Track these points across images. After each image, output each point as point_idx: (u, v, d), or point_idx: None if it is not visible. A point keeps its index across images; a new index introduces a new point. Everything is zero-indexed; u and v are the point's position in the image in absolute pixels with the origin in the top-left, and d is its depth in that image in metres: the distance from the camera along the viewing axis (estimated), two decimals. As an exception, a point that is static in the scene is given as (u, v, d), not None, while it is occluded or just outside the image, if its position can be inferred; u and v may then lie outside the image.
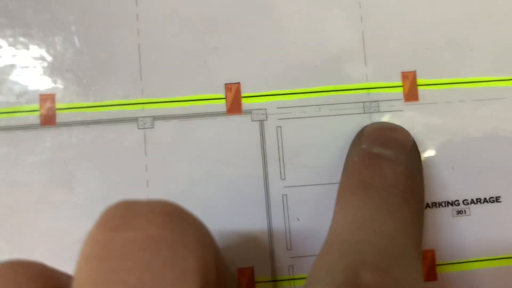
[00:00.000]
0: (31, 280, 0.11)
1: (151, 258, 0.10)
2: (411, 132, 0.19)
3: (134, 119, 0.18)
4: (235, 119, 0.18)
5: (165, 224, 0.11)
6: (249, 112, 0.19)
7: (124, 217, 0.11)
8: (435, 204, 0.18)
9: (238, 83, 0.19)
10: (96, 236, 0.11)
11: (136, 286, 0.10)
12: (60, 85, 0.18)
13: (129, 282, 0.10)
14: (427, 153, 0.19)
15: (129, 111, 0.18)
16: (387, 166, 0.16)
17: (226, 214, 0.18)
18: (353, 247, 0.14)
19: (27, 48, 0.18)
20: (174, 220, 0.11)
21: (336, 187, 0.18)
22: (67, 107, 0.18)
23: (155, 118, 0.18)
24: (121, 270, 0.10)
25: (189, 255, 0.11)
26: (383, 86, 0.19)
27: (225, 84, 0.18)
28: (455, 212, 0.18)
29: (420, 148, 0.18)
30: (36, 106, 0.18)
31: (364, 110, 0.19)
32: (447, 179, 0.19)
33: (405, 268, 0.14)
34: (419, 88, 0.19)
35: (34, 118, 0.18)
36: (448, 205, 0.18)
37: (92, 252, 0.11)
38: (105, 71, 0.18)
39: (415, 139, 0.18)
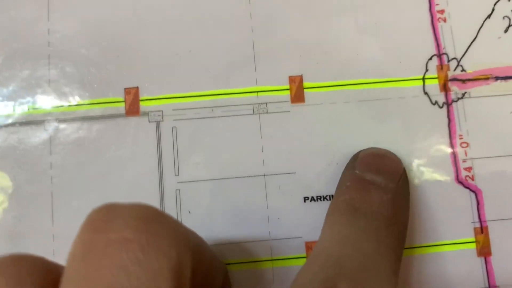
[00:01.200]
0: (32, 274, 0.12)
1: (127, 259, 0.11)
2: (294, 131, 0.20)
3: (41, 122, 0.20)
4: (133, 120, 0.20)
5: (140, 228, 0.12)
6: (146, 114, 0.20)
7: (106, 219, 0.12)
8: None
9: (137, 87, 0.20)
10: (81, 236, 0.12)
11: (113, 284, 0.11)
12: None
13: (107, 280, 0.11)
14: (314, 145, 0.20)
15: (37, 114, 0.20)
16: (376, 193, 0.18)
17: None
18: (335, 260, 0.16)
19: None
20: (149, 224, 0.12)
21: (226, 182, 0.20)
22: None
23: (60, 121, 0.20)
24: (101, 269, 0.11)
25: (160, 256, 0.12)
26: (271, 89, 0.21)
27: (125, 88, 0.20)
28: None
29: (302, 146, 0.20)
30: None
31: (253, 112, 0.20)
32: (329, 175, 0.20)
33: (379, 284, 0.15)
34: (306, 90, 0.21)
35: None
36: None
37: (77, 251, 0.12)
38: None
39: (297, 137, 0.20)
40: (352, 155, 0.20)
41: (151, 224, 0.12)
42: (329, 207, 0.18)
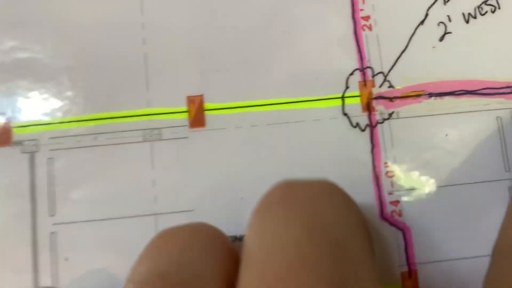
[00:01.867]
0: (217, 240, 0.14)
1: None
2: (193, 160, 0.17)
3: None
4: (3, 151, 0.17)
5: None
6: (19, 143, 0.17)
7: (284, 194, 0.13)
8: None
9: (5, 113, 0.17)
10: (259, 211, 0.13)
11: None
12: None
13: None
14: (216, 177, 0.17)
15: None
16: None
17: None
18: None
19: None
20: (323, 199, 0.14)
21: (111, 223, 0.17)
22: None
23: None
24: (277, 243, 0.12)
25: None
26: (166, 112, 0.18)
27: (-7, 114, 0.17)
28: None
29: (202, 178, 0.17)
30: None
31: (144, 139, 0.17)
32: (233, 213, 0.17)
33: None
34: (207, 113, 0.18)
35: None
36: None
37: (255, 225, 0.13)
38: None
39: (196, 168, 0.17)
40: (261, 187, 0.17)
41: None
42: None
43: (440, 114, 0.18)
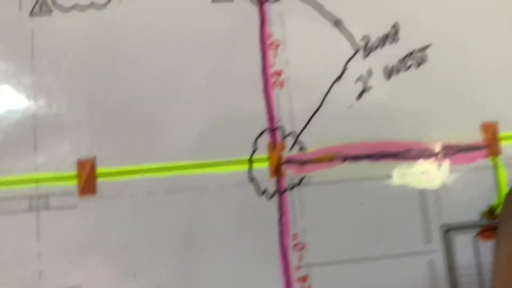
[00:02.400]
0: None
1: None
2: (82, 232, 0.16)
3: None
4: None
5: None
6: None
7: None
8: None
9: None
10: None
11: None
12: None
13: None
14: (107, 250, 0.16)
15: None
16: None
17: None
18: None
19: None
20: None
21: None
22: None
23: None
24: None
25: None
26: (54, 177, 0.16)
27: None
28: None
29: (91, 251, 0.16)
30: None
31: (30, 207, 0.16)
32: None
33: None
34: (99, 179, 0.16)
35: None
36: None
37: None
38: None
39: (85, 241, 0.15)
40: (156, 263, 0.16)
41: None
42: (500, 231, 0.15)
43: (355, 180, 0.16)
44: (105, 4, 0.17)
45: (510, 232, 0.15)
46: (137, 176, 0.16)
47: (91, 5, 0.17)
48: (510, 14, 0.17)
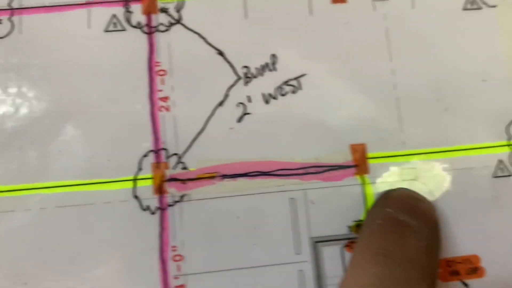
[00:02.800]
0: None
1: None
2: (-24, 246, 0.17)
3: None
4: None
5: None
6: None
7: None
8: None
9: None
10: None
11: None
12: None
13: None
14: None
15: None
16: (411, 237, 0.16)
17: None
18: None
19: None
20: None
21: None
22: None
23: None
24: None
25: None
26: (-47, 194, 0.18)
27: None
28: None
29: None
30: None
31: None
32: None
33: None
34: (-5, 195, 0.18)
35: None
36: None
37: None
38: None
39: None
40: (47, 274, 0.17)
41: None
42: (356, 248, 0.16)
43: (232, 196, 0.18)
44: (7, 34, 0.19)
45: (361, 242, 0.16)
46: (31, 193, 0.18)
47: (-7, 35, 0.18)
48: (376, 47, 0.19)
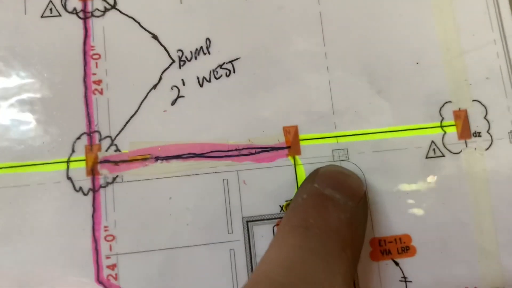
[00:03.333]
0: None
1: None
2: None
3: None
4: None
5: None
6: None
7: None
8: None
9: None
10: None
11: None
12: None
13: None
14: None
15: None
16: (334, 210, 0.17)
17: None
18: (269, 276, 0.14)
19: None
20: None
21: None
22: None
23: None
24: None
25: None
26: None
27: None
28: None
29: None
30: None
31: None
32: None
33: None
34: None
35: None
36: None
37: None
38: None
39: None
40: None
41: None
42: (281, 222, 0.17)
43: (165, 178, 0.18)
44: None
45: (285, 217, 0.17)
46: None
47: None
48: (310, 31, 0.20)
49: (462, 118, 0.20)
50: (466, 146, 0.20)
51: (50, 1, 0.19)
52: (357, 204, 0.17)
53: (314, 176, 0.18)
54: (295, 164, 0.19)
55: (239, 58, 0.19)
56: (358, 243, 0.17)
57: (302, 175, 0.19)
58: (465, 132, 0.20)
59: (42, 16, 0.19)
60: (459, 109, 0.20)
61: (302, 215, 0.16)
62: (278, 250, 0.16)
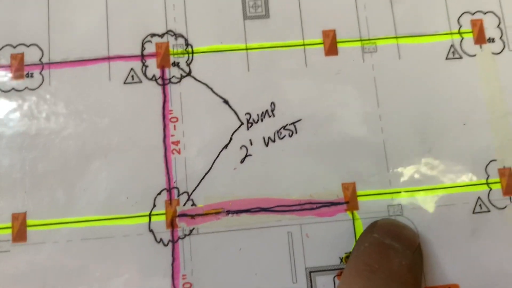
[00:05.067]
0: None
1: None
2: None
3: None
4: None
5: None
6: None
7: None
8: None
9: None
10: None
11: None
12: None
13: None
14: None
15: None
16: (395, 256, 0.19)
17: None
18: None
19: None
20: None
21: None
22: None
23: None
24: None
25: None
26: (-7, 228, 0.20)
27: None
28: None
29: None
30: None
31: (-29, 252, 0.20)
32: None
33: None
34: (29, 229, 0.20)
35: None
36: None
37: None
38: None
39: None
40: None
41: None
42: (345, 268, 0.19)
43: (235, 230, 0.21)
44: (38, 86, 0.22)
45: (350, 263, 0.19)
46: (59, 227, 0.20)
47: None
48: (365, 94, 0.22)
49: (506, 175, 0.22)
50: (511, 201, 0.21)
51: (132, 69, 0.22)
52: (414, 252, 0.19)
53: (373, 227, 0.20)
54: (353, 219, 0.21)
55: (300, 120, 0.22)
56: (418, 286, 0.19)
57: (360, 229, 0.21)
58: (510, 188, 0.22)
59: (124, 83, 0.22)
60: (504, 167, 0.22)
61: (367, 260, 0.18)
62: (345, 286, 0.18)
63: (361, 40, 0.22)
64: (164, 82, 0.22)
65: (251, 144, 0.22)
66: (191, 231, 0.21)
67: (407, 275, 0.18)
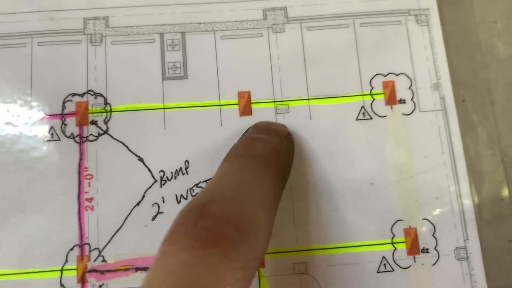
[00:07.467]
0: None
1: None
2: None
3: None
4: None
5: None
6: None
7: None
8: None
9: None
10: None
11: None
12: None
13: None
14: None
15: None
16: (259, 144, 0.21)
17: None
18: (209, 189, 0.18)
19: None
20: None
21: None
22: None
23: None
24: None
25: None
26: None
27: None
28: None
29: None
30: None
31: None
32: None
33: (251, 205, 0.17)
34: None
35: None
36: None
37: None
38: None
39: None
40: None
41: None
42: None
43: None
44: (-37, 143, 0.23)
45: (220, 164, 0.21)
46: (-27, 281, 0.22)
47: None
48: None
49: (411, 235, 0.23)
50: (415, 261, 0.22)
51: (52, 127, 0.23)
52: (281, 140, 0.22)
53: (247, 130, 0.23)
54: (259, 276, 0.22)
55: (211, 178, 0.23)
56: (282, 165, 0.21)
57: (265, 286, 0.22)
58: (414, 248, 0.23)
59: (44, 140, 0.23)
60: (409, 227, 0.23)
61: (235, 151, 0.21)
62: (217, 173, 0.20)
63: (274, 102, 0.24)
64: (81, 140, 0.23)
65: (163, 201, 0.23)
66: (100, 286, 0.22)
67: (271, 155, 0.20)
